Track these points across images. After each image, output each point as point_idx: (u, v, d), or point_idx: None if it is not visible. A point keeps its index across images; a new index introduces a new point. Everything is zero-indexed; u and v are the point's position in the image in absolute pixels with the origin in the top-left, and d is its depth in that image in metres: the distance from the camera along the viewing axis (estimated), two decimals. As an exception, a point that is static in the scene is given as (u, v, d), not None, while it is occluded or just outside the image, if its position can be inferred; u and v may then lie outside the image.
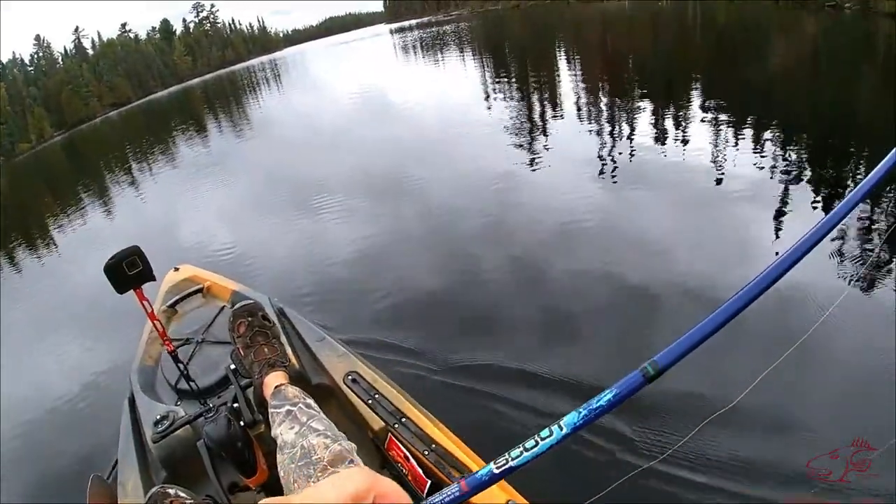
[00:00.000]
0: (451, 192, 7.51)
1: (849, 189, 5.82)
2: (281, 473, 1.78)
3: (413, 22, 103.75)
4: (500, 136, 9.66)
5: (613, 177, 6.96)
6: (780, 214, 5.28)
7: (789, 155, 6.76)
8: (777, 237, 4.85)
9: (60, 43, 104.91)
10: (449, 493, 0.52)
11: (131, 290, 2.33)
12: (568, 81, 14.00)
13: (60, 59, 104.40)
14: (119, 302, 4.15)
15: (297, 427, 1.90)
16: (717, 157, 6.97)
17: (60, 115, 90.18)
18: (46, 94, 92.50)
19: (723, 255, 4.76)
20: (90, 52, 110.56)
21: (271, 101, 28.79)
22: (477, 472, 0.54)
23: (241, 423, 2.29)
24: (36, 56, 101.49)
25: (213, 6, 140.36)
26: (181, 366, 2.71)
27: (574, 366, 3.73)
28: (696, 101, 9.86)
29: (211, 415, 2.26)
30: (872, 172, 1.12)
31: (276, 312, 3.16)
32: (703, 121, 8.61)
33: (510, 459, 0.54)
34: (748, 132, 7.72)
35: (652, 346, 3.37)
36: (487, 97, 13.72)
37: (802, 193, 5.62)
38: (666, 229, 5.39)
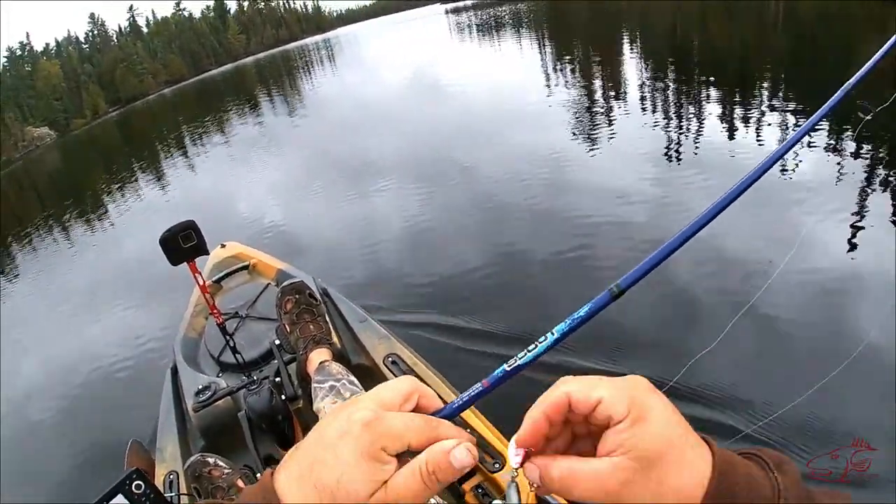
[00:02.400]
0: (503, 178, 7.32)
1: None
2: None
3: (469, 2, 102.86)
4: (559, 121, 9.36)
5: (674, 169, 6.69)
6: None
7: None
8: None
9: (115, 21, 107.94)
10: (473, 390, 0.64)
11: (184, 263, 2.37)
12: (633, 70, 13.56)
13: (115, 37, 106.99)
14: (165, 273, 4.18)
15: (341, 402, 1.88)
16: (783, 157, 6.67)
17: (115, 91, 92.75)
18: (101, 72, 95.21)
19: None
20: (144, 30, 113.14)
21: (325, 80, 28.95)
22: (495, 371, 0.64)
23: (283, 397, 2.35)
24: (91, 34, 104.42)
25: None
26: (227, 339, 2.82)
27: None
28: (768, 97, 9.48)
29: (254, 387, 2.28)
30: (817, 113, 1.25)
31: (320, 292, 3.19)
32: (772, 118, 8.29)
33: (517, 360, 0.61)
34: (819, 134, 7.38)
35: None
36: (547, 81, 13.36)
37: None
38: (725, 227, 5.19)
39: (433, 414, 0.59)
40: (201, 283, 2.57)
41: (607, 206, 5.74)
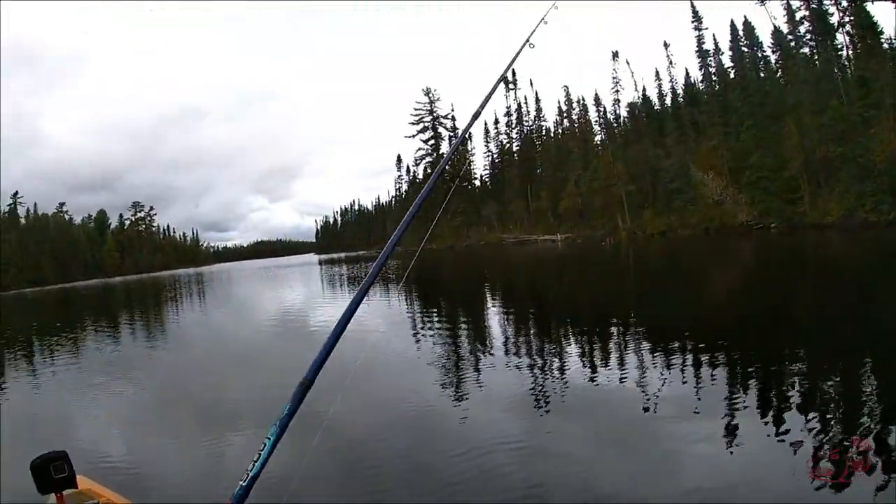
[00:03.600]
0: (368, 426, 7.28)
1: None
2: None
3: (343, 255, 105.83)
4: (425, 370, 9.77)
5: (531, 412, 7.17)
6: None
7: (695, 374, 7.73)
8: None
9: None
10: None
11: (52, 494, 2.41)
12: (497, 319, 14.50)
13: None
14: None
15: None
16: (645, 386, 7.62)
17: None
18: None
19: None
20: (23, 220, 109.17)
21: (191, 314, 28.36)
22: (235, 490, 0.79)
23: None
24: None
25: (151, 209, 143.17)
26: None
27: None
28: (621, 330, 10.52)
29: None
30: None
31: None
32: (627, 351, 9.31)
33: (248, 472, 0.81)
34: (675, 358, 8.70)
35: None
36: (415, 333, 13.98)
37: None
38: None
39: None
40: None
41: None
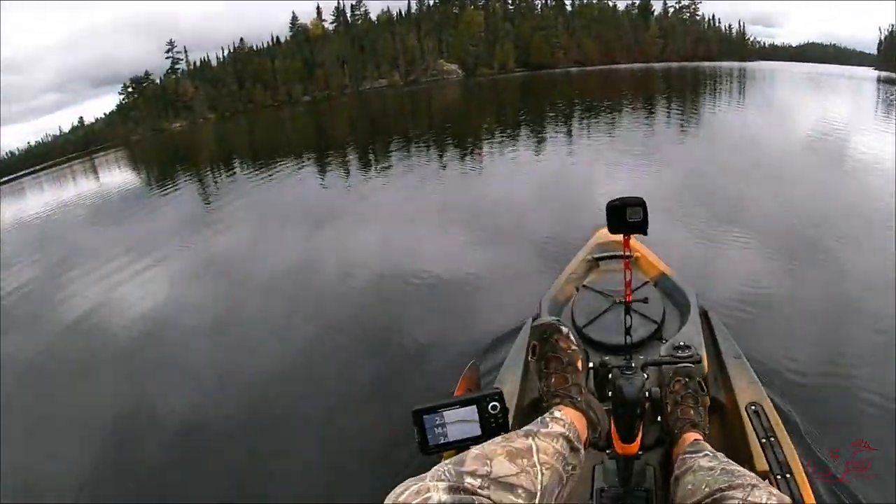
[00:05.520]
0: None
1: None
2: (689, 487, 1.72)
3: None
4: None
5: None
6: None
7: None
8: None
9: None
10: None
11: (621, 235, 2.55)
12: None
13: (540, 6, 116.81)
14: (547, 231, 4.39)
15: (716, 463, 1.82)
16: None
17: (526, 55, 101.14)
18: (519, 33, 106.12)
19: None
20: (569, 8, 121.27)
21: (726, 110, 26.59)
22: None
23: (648, 395, 2.25)
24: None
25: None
26: (598, 317, 3.15)
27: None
28: None
29: (629, 372, 2.21)
30: None
31: (699, 312, 3.18)
32: None
33: None
34: None
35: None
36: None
37: None
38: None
39: None
40: (627, 259, 2.69)
41: None
